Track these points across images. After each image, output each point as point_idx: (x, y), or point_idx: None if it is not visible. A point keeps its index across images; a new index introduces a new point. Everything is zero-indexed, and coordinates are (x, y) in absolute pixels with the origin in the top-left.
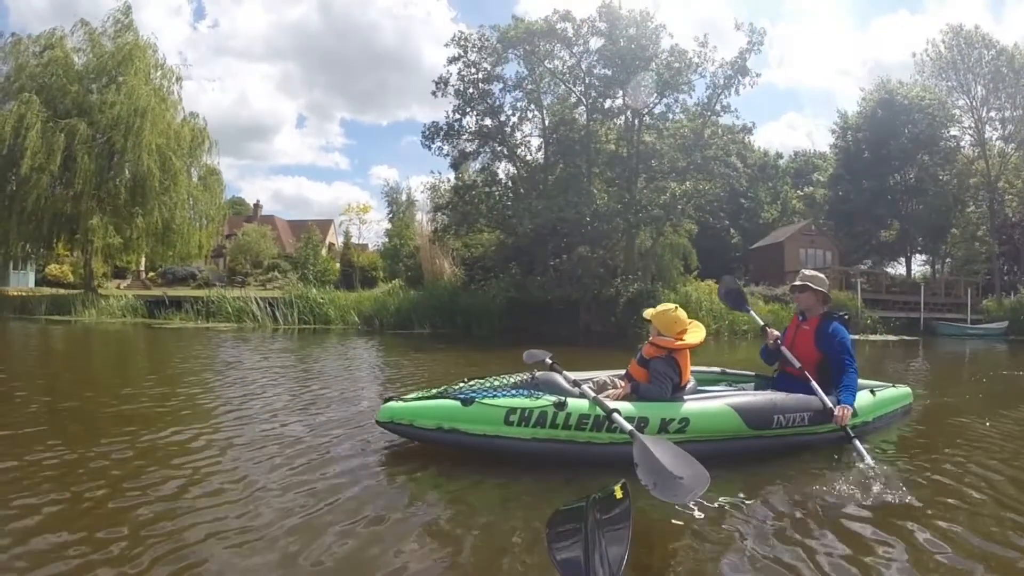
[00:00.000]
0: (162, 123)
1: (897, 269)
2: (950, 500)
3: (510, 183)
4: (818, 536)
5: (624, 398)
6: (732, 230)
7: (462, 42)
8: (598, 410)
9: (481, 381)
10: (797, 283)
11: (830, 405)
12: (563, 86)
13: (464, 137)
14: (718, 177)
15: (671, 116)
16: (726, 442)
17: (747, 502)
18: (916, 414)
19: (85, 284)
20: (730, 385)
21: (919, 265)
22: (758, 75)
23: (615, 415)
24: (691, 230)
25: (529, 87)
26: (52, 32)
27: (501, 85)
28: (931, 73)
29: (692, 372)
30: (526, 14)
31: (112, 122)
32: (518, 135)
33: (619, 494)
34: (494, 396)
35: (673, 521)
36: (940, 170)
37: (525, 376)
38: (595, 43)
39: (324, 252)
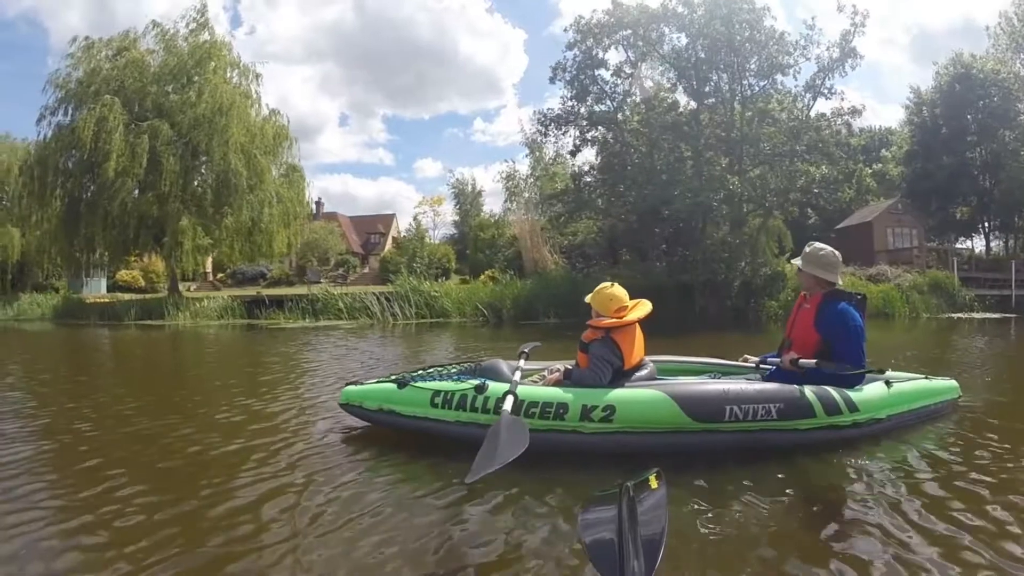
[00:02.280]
0: (245, 121)
1: (968, 246)
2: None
3: (625, 169)
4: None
5: (557, 384)
6: (809, 210)
7: (581, 27)
8: (519, 394)
9: (441, 368)
10: (795, 261)
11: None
12: (662, 70)
13: (581, 124)
14: (838, 160)
15: (776, 99)
16: (667, 435)
17: (783, 499)
18: (969, 411)
19: (170, 288)
20: (713, 377)
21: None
22: (861, 57)
23: (508, 397)
24: (792, 212)
25: (630, 73)
26: (126, 34)
27: (610, 71)
28: (1006, 47)
29: (675, 363)
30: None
31: (194, 122)
32: (628, 120)
33: (654, 483)
34: (427, 380)
35: (710, 515)
36: (1021, 145)
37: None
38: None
39: (389, 245)
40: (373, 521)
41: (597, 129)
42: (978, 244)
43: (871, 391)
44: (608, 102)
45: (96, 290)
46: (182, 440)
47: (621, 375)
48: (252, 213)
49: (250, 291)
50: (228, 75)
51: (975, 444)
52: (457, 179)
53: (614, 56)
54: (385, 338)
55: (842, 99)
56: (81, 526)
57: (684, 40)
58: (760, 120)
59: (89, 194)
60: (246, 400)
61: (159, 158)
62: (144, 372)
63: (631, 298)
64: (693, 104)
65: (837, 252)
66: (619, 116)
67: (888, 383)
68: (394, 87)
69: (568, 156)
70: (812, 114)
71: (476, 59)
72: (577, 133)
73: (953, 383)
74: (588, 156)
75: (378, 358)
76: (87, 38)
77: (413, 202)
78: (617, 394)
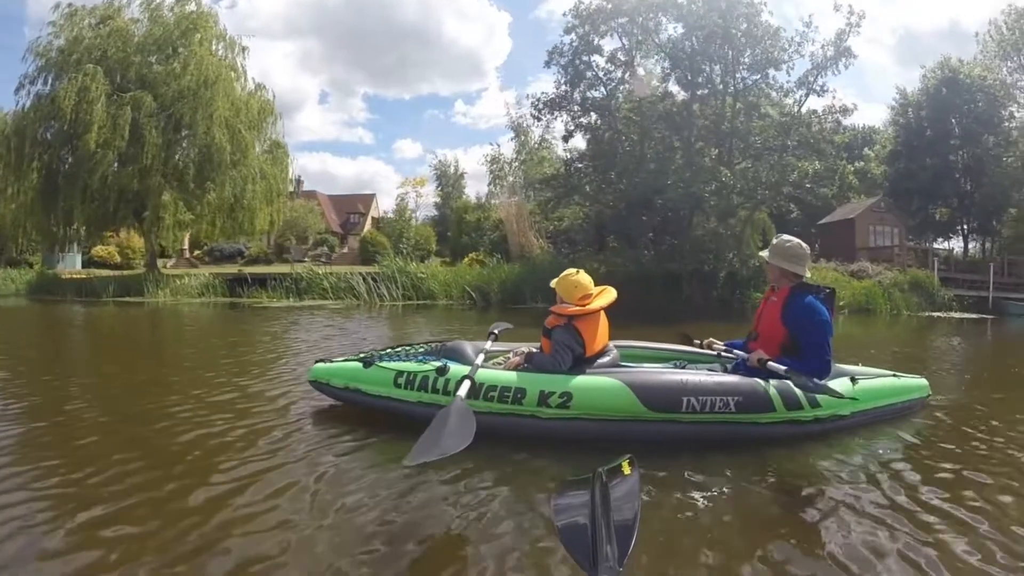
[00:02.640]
0: (230, 95)
1: (947, 247)
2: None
3: (615, 156)
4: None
5: (518, 368)
6: (792, 205)
7: (580, 13)
8: (477, 378)
9: (409, 347)
10: (763, 253)
11: (782, 373)
12: (656, 59)
13: (573, 110)
14: (828, 156)
15: (768, 93)
16: (623, 423)
17: (759, 488)
18: (939, 409)
19: (148, 264)
20: (678, 364)
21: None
22: (855, 56)
23: (465, 381)
24: (783, 206)
25: (623, 60)
26: (110, 2)
27: (605, 57)
28: (994, 54)
29: (640, 348)
30: None
31: (178, 94)
32: (620, 108)
33: (627, 469)
34: (392, 360)
35: (676, 504)
36: (1003, 151)
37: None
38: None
39: (368, 226)
40: (333, 501)
41: (589, 115)
42: (956, 245)
43: (838, 387)
44: (602, 88)
45: (71, 266)
46: (167, 419)
47: (583, 361)
48: (235, 189)
49: (230, 269)
50: (213, 48)
51: (942, 443)
52: (439, 161)
53: (609, 43)
54: (372, 318)
55: (834, 97)
56: (55, 506)
57: (680, 30)
58: (751, 113)
59: (67, 166)
60: (230, 379)
61: (141, 131)
62: (127, 350)
63: (618, 285)
64: (684, 95)
65: (805, 245)
66: (612, 103)
67: (854, 379)
68: (376, 66)
69: (560, 141)
70: (803, 110)
71: (460, 41)
72: (568, 119)
73: (923, 381)
74: (578, 142)
75: (364, 338)
76: (70, 5)
77: (393, 182)
78: (574, 381)
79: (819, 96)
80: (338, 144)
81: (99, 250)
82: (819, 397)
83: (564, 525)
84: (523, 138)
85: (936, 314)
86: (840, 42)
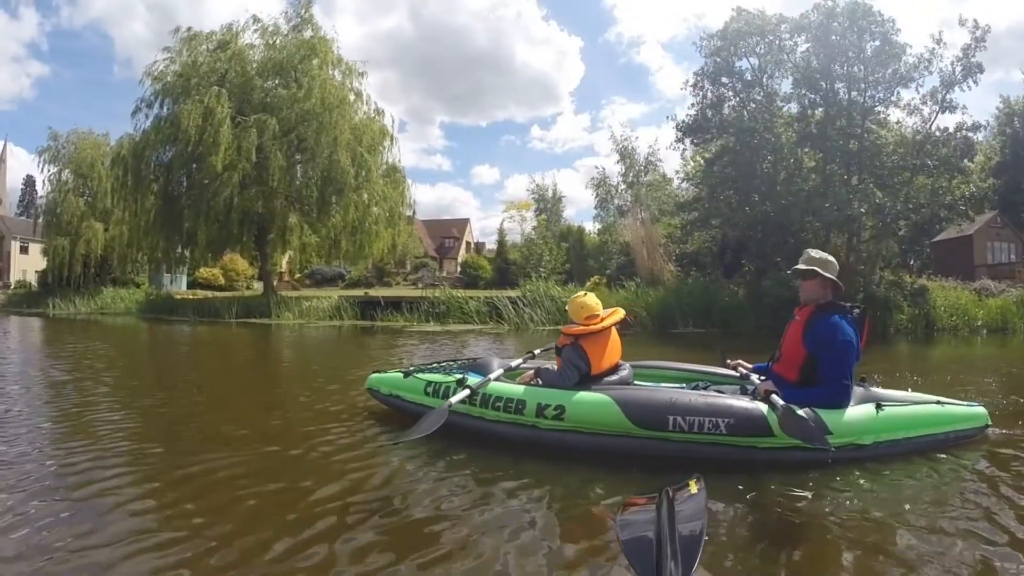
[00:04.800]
0: (351, 119)
1: None
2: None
3: (753, 179)
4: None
5: (529, 383)
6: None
7: (727, 34)
8: (485, 390)
9: (452, 362)
10: (802, 267)
11: (780, 407)
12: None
13: (712, 132)
14: (969, 175)
15: (898, 111)
16: (615, 439)
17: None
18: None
19: (265, 286)
20: (699, 385)
21: None
22: (982, 71)
23: (460, 390)
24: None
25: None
26: (229, 27)
27: (743, 78)
28: None
29: (659, 368)
30: (614, 7)
31: (301, 117)
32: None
33: (694, 488)
34: (428, 372)
35: (748, 521)
36: None
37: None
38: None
39: (463, 250)
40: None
41: (728, 138)
42: None
43: (853, 414)
44: (741, 110)
45: (177, 286)
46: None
47: (590, 379)
48: (358, 212)
49: (350, 292)
50: (331, 72)
51: (992, 478)
52: (538, 185)
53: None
54: (534, 343)
55: (963, 113)
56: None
57: (807, 47)
58: (880, 132)
59: (189, 188)
60: None
61: (266, 153)
62: (302, 372)
63: (765, 308)
64: (818, 113)
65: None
66: (752, 124)
67: (879, 406)
68: (451, 94)
69: (703, 164)
70: (933, 128)
71: (532, 66)
72: (709, 141)
73: (979, 410)
74: (701, 164)
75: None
76: (189, 29)
77: (471, 207)
78: (568, 395)
79: (951, 113)
80: (417, 171)
81: (203, 272)
82: (829, 424)
83: (628, 540)
84: (628, 161)
85: None
86: (967, 57)
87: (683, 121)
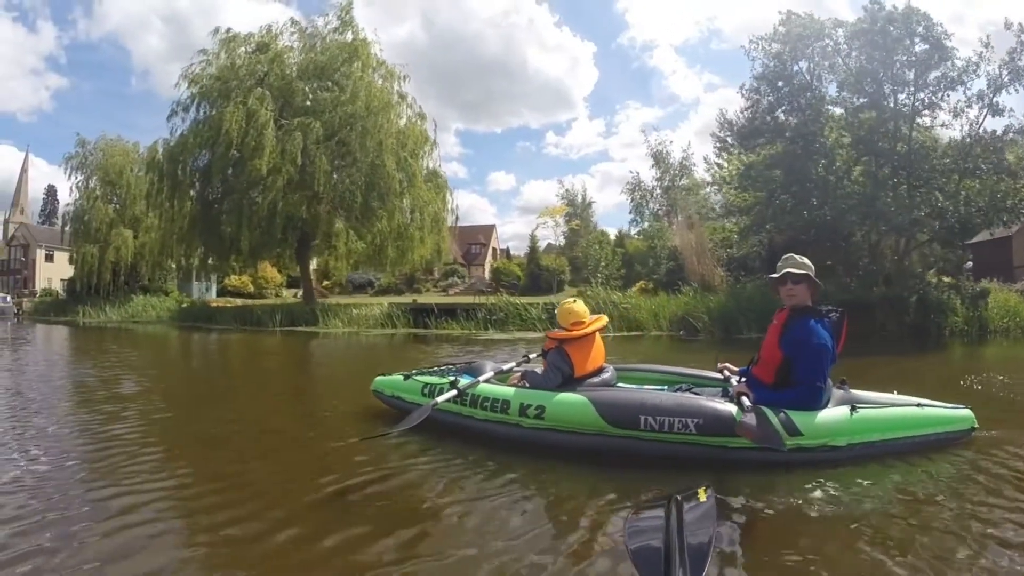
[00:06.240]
0: (395, 123)
1: None
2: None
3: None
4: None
5: (516, 385)
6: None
7: (789, 36)
8: (474, 390)
9: (451, 366)
10: (795, 271)
11: (748, 406)
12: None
13: (767, 135)
14: (1021, 177)
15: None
16: (591, 437)
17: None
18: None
19: (305, 294)
20: (682, 388)
21: None
22: None
23: (449, 389)
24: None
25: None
26: (268, 28)
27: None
28: None
29: (642, 371)
30: (626, 11)
31: (344, 121)
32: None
33: (703, 496)
34: (426, 375)
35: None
36: None
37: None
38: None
39: (489, 257)
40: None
41: (784, 142)
42: None
43: (826, 415)
44: (794, 114)
45: (207, 294)
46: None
47: (573, 381)
48: (403, 218)
49: (399, 299)
50: (372, 76)
51: (960, 481)
52: (567, 190)
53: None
54: (618, 351)
55: (1009, 116)
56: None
57: (857, 51)
58: (927, 135)
59: (227, 192)
60: None
61: (310, 157)
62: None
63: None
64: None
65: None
66: (813, 128)
67: (854, 408)
68: (465, 102)
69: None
70: (981, 131)
71: (545, 72)
72: (764, 144)
73: (964, 413)
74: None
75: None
76: (228, 30)
77: (488, 214)
78: (548, 395)
79: (1000, 116)
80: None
81: (233, 280)
82: (800, 425)
83: (636, 547)
84: (663, 166)
85: None
86: (1014, 61)
87: (742, 125)
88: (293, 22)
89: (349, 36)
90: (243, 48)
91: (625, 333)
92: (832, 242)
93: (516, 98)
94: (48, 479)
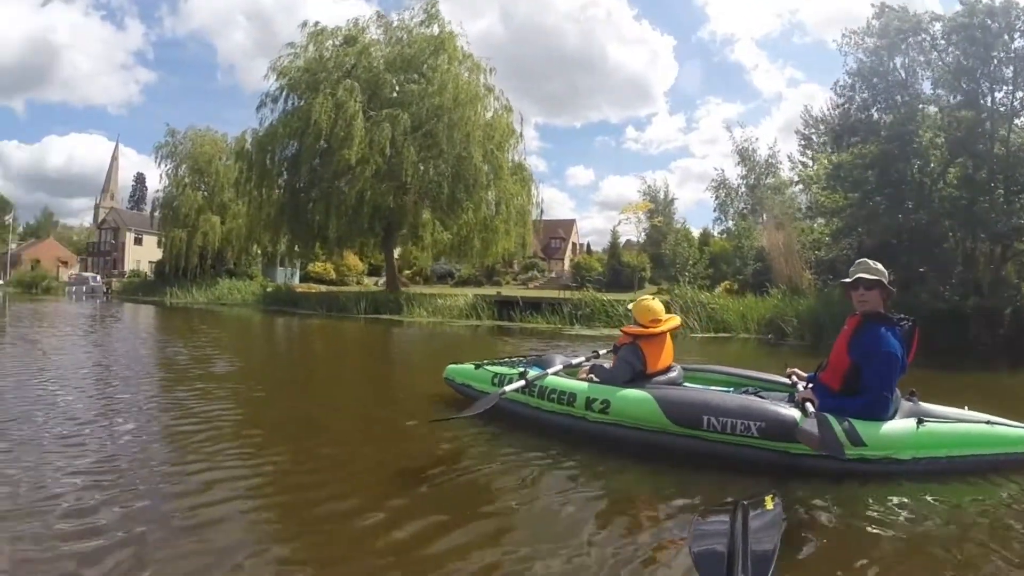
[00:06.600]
0: (482, 115)
1: None
2: None
3: (902, 184)
4: None
5: (586, 379)
6: None
7: (888, 30)
8: (542, 382)
9: (522, 358)
10: (867, 276)
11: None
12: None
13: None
14: None
15: None
16: (654, 434)
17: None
18: None
19: (389, 283)
20: (749, 391)
21: None
22: None
23: (517, 380)
24: None
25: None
26: (355, 22)
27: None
28: None
29: (709, 372)
30: (706, 4)
31: (432, 113)
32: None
33: (769, 504)
34: (496, 365)
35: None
36: None
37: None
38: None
39: (569, 252)
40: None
41: (875, 142)
42: None
43: (892, 427)
44: (888, 113)
45: (291, 279)
46: None
47: (643, 377)
48: (489, 209)
49: (480, 291)
50: (458, 68)
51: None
52: (649, 186)
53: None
54: (687, 351)
55: None
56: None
57: (951, 45)
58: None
59: (315, 181)
60: None
61: (398, 148)
62: None
63: (937, 319)
64: (967, 115)
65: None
66: (911, 127)
67: (921, 422)
68: (544, 95)
69: (828, 168)
70: None
71: (625, 66)
72: (856, 144)
73: None
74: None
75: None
76: (316, 24)
77: (567, 208)
78: (614, 390)
79: None
80: None
81: (316, 266)
82: (864, 435)
83: (700, 551)
84: (749, 164)
85: None
86: None
87: (836, 123)
88: (379, 16)
89: (435, 29)
90: (330, 41)
91: (713, 334)
92: (925, 248)
93: (595, 92)
94: (145, 453)
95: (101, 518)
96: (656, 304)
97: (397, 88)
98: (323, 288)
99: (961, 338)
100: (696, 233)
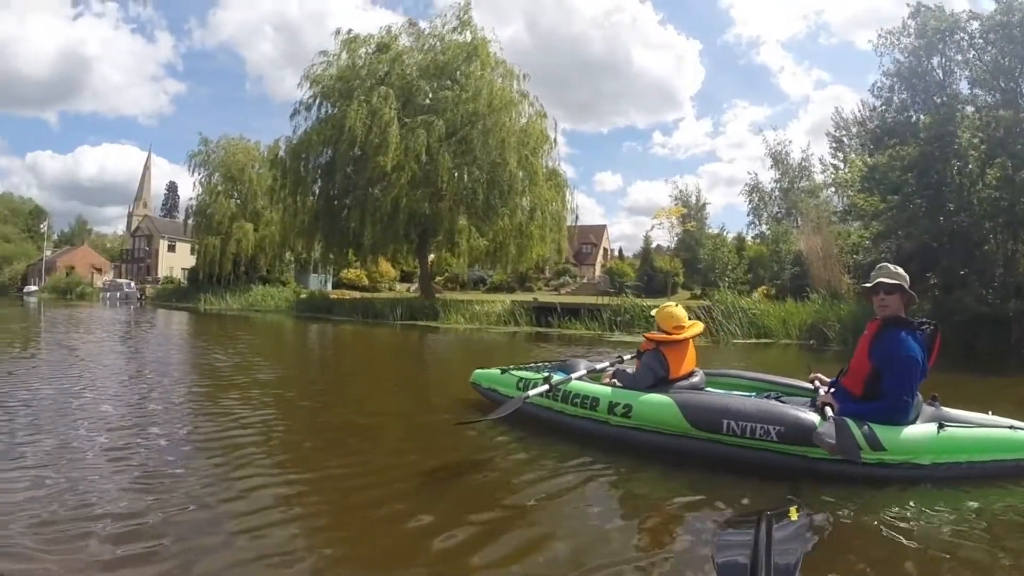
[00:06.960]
0: (516, 121)
1: None
2: None
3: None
4: None
5: (609, 384)
6: None
7: (926, 30)
8: (566, 387)
9: (548, 363)
10: (888, 280)
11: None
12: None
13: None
14: None
15: None
16: (676, 438)
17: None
18: None
19: (423, 289)
20: (771, 396)
21: None
22: None
23: (541, 384)
24: None
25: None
26: (388, 29)
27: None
28: None
29: (731, 377)
30: (731, 7)
31: (466, 119)
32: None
33: (794, 515)
34: (522, 370)
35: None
36: None
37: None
38: None
39: (600, 257)
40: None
41: (918, 144)
42: None
43: (912, 432)
44: (932, 113)
45: (323, 286)
46: None
47: (666, 383)
48: (524, 216)
49: (513, 297)
50: (491, 75)
51: None
52: (680, 191)
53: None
54: (731, 358)
55: None
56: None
57: (989, 44)
58: None
59: (350, 188)
60: None
61: (433, 154)
62: None
63: (957, 327)
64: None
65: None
66: (951, 128)
67: (942, 426)
68: (571, 101)
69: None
70: None
71: (651, 71)
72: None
73: None
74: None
75: None
76: (350, 31)
77: (595, 214)
78: (635, 395)
79: None
80: None
81: (348, 273)
82: (883, 440)
83: (723, 562)
84: (782, 167)
85: None
86: None
87: (876, 125)
88: (411, 23)
89: (468, 36)
90: (363, 49)
91: (754, 340)
92: (966, 250)
93: (622, 98)
94: (191, 459)
95: (149, 523)
96: (679, 311)
97: (431, 95)
98: (356, 294)
99: (1003, 341)
100: (730, 237)
